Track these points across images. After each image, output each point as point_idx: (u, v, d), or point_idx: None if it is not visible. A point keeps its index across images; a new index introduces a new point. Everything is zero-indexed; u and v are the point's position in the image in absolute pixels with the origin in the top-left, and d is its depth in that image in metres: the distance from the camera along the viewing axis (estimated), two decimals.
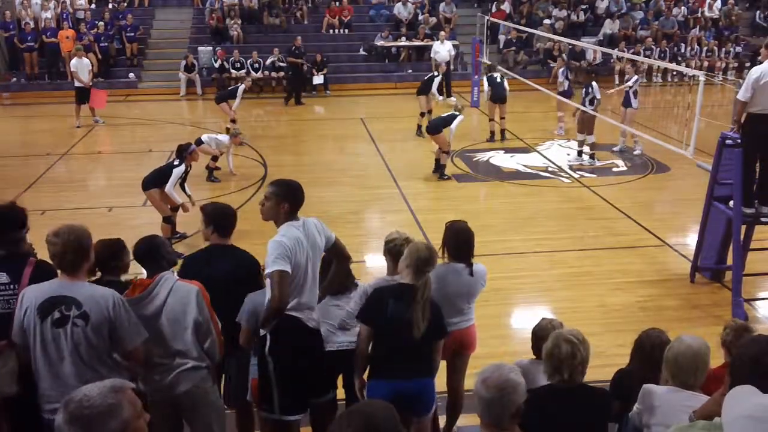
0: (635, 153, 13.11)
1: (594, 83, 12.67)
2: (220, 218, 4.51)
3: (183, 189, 8.98)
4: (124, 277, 4.22)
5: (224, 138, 11.54)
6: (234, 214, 4.64)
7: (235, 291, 4.22)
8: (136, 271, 4.30)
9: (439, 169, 11.78)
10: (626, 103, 12.99)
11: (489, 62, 16.12)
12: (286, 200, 4.04)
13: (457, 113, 11.77)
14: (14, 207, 4.10)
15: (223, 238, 4.50)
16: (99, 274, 4.14)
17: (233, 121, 13.77)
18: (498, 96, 14.01)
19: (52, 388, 3.52)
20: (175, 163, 8.76)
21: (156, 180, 8.66)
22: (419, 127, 14.26)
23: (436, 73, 14.57)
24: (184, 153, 8.87)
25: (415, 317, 3.97)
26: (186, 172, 8.84)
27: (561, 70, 14.88)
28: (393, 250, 4.51)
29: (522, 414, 3.08)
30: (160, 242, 4.04)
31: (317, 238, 4.15)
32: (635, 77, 13.07)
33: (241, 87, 13.93)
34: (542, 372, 3.94)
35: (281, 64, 19.60)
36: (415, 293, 3.99)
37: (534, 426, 3.10)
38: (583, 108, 12.60)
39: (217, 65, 19.46)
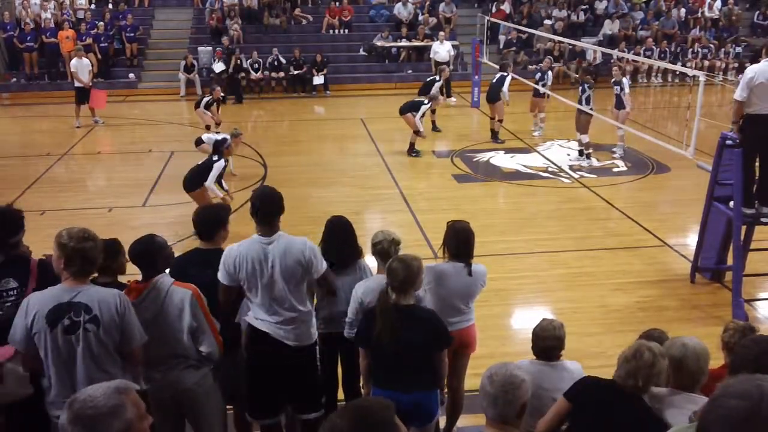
0: (614, 154, 13.06)
1: (625, 79, 13.04)
2: (200, 225, 4.45)
3: (220, 184, 9.15)
4: (123, 279, 4.21)
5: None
6: (215, 219, 4.48)
7: (216, 296, 4.13)
8: (134, 271, 4.29)
9: (412, 150, 13.17)
10: (618, 105, 12.97)
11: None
12: (252, 207, 4.06)
13: (425, 101, 13.07)
14: (12, 210, 4.06)
15: (206, 242, 4.45)
16: (95, 274, 4.12)
17: (207, 127, 13.78)
18: (488, 95, 14.21)
19: (63, 393, 3.47)
20: (215, 158, 8.93)
21: (198, 178, 8.84)
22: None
23: (437, 78, 14.62)
24: (221, 147, 9.02)
25: (381, 332, 3.92)
26: (224, 167, 9.04)
27: (549, 72, 14.85)
28: (381, 251, 4.55)
29: (578, 395, 3.37)
30: (158, 243, 3.98)
31: (285, 263, 4.01)
32: (625, 80, 13.07)
33: (206, 99, 13.71)
34: (550, 374, 3.96)
35: (281, 61, 19.68)
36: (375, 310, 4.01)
37: (585, 412, 3.29)
38: (579, 107, 12.61)
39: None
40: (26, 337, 3.47)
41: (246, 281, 4.04)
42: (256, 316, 4.17)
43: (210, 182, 8.76)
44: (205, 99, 13.73)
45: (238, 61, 19.24)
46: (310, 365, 4.34)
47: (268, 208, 4.06)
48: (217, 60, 19.25)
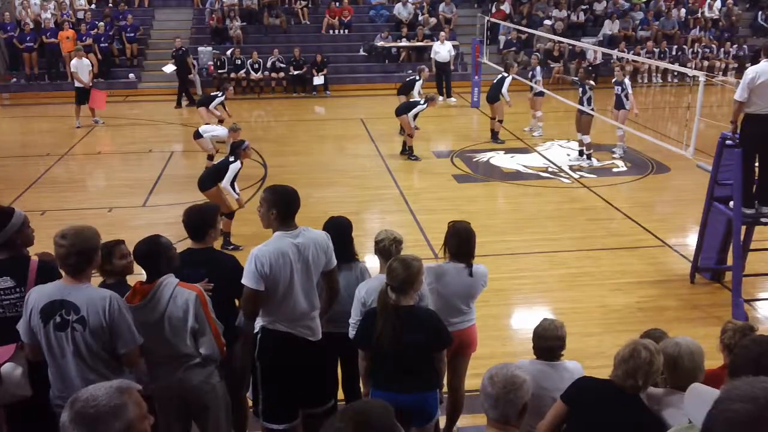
0: (614, 154, 13.07)
1: (627, 80, 13.05)
2: (189, 225, 4.42)
3: (233, 186, 9.11)
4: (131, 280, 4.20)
5: (222, 131, 11.45)
6: (204, 219, 4.43)
7: (212, 295, 4.07)
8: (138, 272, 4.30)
9: (405, 151, 13.03)
10: (618, 105, 12.99)
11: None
12: (275, 207, 4.01)
13: (420, 102, 12.80)
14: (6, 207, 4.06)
15: (197, 242, 4.42)
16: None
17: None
18: (488, 95, 14.25)
19: (60, 387, 3.57)
20: (231, 159, 8.91)
21: (213, 178, 8.85)
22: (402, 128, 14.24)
23: (417, 77, 14.60)
24: (237, 149, 9.03)
25: (382, 332, 3.91)
26: (239, 169, 9.06)
27: (537, 68, 14.86)
28: (383, 249, 4.56)
29: (575, 397, 3.38)
30: (163, 244, 3.94)
31: (315, 253, 4.09)
32: (627, 80, 13.08)
33: (220, 98, 13.45)
34: (550, 374, 3.96)
35: (281, 65, 19.70)
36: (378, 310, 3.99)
37: (583, 413, 3.30)
38: (580, 107, 12.61)
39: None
40: (28, 329, 3.56)
41: (278, 279, 3.96)
42: (276, 319, 4.10)
43: (226, 183, 8.79)
44: (219, 99, 13.45)
45: (193, 65, 19.02)
46: (326, 356, 4.38)
47: (296, 206, 4.10)
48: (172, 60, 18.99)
